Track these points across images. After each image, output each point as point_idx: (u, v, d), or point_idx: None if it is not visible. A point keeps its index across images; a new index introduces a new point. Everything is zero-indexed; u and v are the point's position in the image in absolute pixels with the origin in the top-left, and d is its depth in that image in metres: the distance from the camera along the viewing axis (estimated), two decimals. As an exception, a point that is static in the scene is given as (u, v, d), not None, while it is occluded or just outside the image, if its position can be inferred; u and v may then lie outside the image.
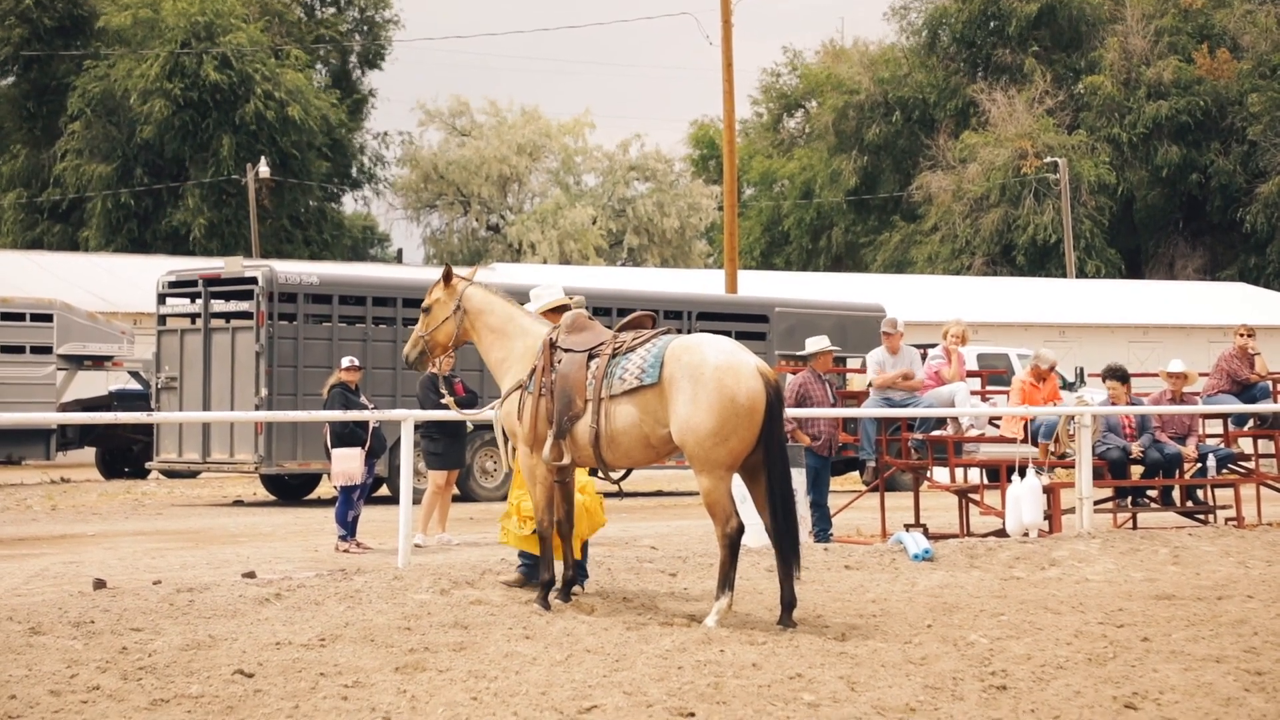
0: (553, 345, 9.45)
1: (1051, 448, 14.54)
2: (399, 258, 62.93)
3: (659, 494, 22.80)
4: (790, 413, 12.39)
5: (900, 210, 60.38)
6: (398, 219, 69.48)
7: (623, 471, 9.62)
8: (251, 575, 11.12)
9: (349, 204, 62.03)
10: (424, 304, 10.16)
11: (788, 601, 8.90)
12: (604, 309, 19.92)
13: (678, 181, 65.41)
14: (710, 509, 8.96)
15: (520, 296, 10.38)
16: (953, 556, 12.23)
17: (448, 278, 10.02)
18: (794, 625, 8.76)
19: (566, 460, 9.32)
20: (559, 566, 9.68)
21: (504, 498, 20.31)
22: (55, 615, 8.90)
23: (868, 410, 14.56)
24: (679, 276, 47.03)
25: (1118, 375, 15.14)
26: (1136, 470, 15.36)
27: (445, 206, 63.36)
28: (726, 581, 8.87)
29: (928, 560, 11.97)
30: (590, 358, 9.29)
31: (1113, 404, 15.04)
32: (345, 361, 14.57)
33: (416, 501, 12.62)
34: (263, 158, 46.64)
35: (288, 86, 49.42)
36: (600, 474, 9.62)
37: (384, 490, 19.66)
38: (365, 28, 59.72)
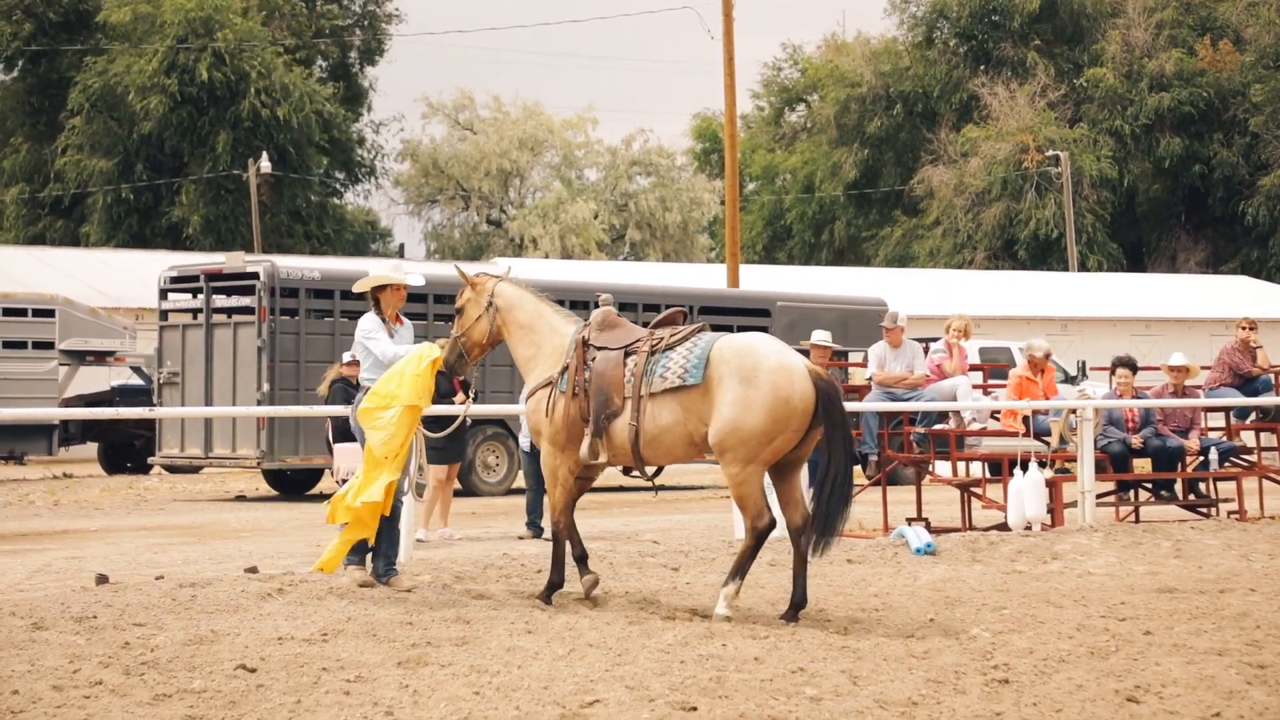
0: (585, 344, 9.40)
1: (1054, 443, 14.51)
2: (401, 253, 62.94)
3: (661, 489, 22.79)
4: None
5: (902, 204, 60.36)
6: (399, 214, 69.46)
7: (656, 469, 9.57)
8: (254, 570, 11.13)
9: (350, 199, 62.11)
10: (456, 305, 10.04)
11: (798, 601, 8.91)
12: (606, 303, 19.89)
13: (679, 176, 65.35)
14: (741, 501, 8.93)
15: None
16: (955, 550, 12.23)
17: (470, 278, 9.91)
18: (797, 620, 8.77)
19: (603, 459, 9.29)
20: (566, 568, 9.65)
21: (507, 492, 20.43)
22: (58, 610, 8.91)
23: (869, 404, 14.55)
24: (681, 271, 47.04)
25: (1128, 364, 15.12)
26: (1141, 464, 15.35)
27: (447, 201, 63.34)
28: (740, 570, 8.84)
29: (930, 554, 11.97)
30: (626, 355, 9.25)
31: (1120, 394, 15.03)
32: (346, 356, 14.56)
33: (419, 496, 12.59)
34: (263, 153, 46.62)
35: (283, 81, 49.34)
36: (636, 471, 9.54)
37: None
38: (366, 22, 59.68)
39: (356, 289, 10.32)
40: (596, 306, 10.23)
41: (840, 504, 8.88)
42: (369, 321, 10.27)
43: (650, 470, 9.48)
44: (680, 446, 9.15)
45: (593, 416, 9.19)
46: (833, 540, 8.89)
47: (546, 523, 14.92)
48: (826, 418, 8.81)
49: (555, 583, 9.51)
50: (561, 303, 10.58)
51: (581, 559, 9.63)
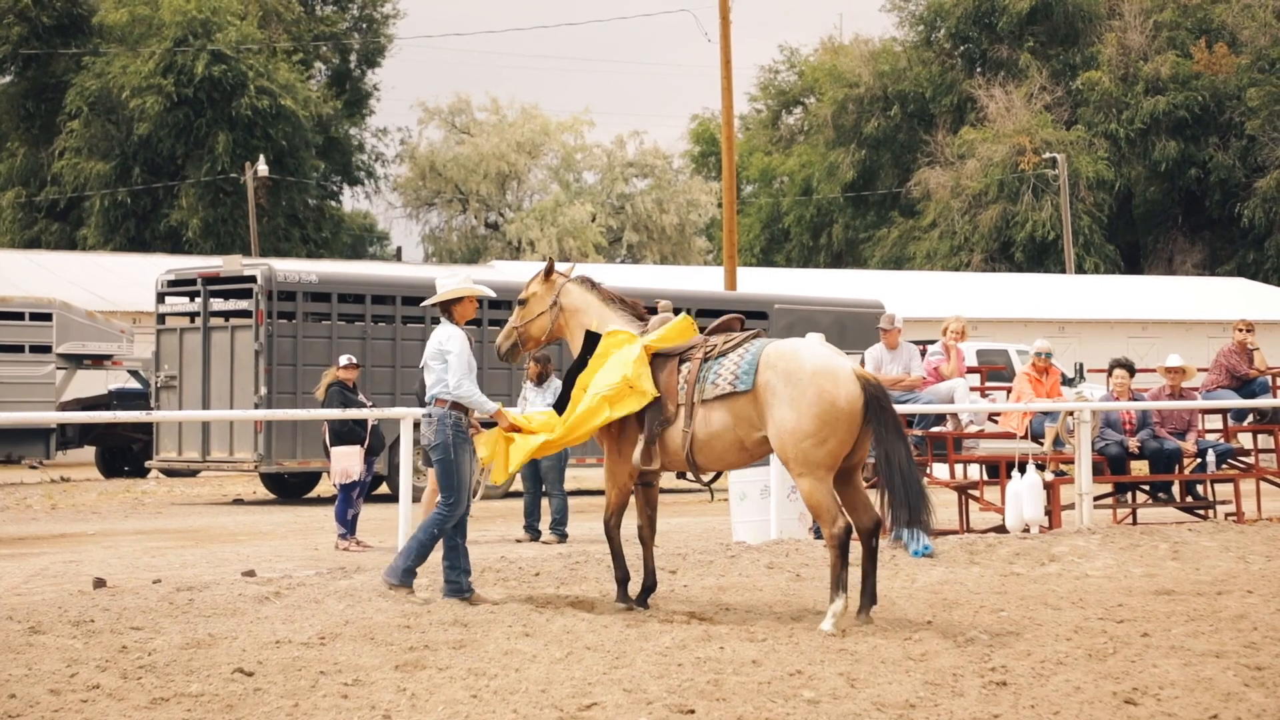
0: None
1: (1047, 445, 14.51)
2: (398, 256, 62.92)
3: (660, 491, 22.75)
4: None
5: (899, 206, 60.41)
6: (397, 217, 69.46)
7: (713, 474, 9.64)
8: (251, 574, 11.13)
9: (348, 202, 62.07)
10: (521, 296, 9.96)
11: (869, 599, 8.93)
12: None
13: (677, 178, 65.38)
14: (814, 510, 8.97)
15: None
16: (953, 553, 12.23)
17: (549, 272, 9.88)
18: (870, 619, 8.76)
19: (657, 465, 9.37)
20: (614, 569, 9.74)
21: (504, 495, 20.40)
22: (55, 614, 8.90)
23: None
24: (678, 273, 47.04)
25: (1126, 366, 15.12)
26: (1138, 466, 15.35)
27: (444, 204, 63.32)
28: (839, 583, 8.74)
29: (928, 556, 11.97)
30: (681, 362, 9.31)
31: (1117, 396, 15.03)
32: (343, 360, 14.55)
33: (416, 499, 12.61)
34: (261, 156, 46.60)
35: (281, 82, 49.31)
36: (691, 476, 9.60)
37: (383, 488, 19.66)
38: (365, 25, 59.66)
39: (433, 301, 9.79)
40: (654, 313, 10.17)
41: (918, 494, 8.92)
42: (452, 330, 9.74)
43: (706, 476, 9.59)
44: (732, 452, 9.23)
45: (647, 423, 9.27)
46: (925, 530, 9.02)
47: (545, 525, 14.97)
48: (876, 418, 8.83)
49: (622, 578, 9.59)
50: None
51: (648, 588, 9.64)
